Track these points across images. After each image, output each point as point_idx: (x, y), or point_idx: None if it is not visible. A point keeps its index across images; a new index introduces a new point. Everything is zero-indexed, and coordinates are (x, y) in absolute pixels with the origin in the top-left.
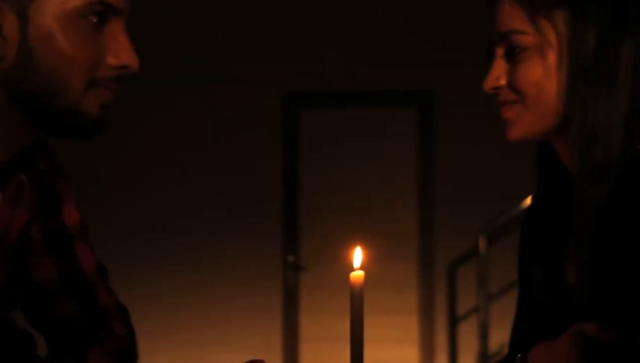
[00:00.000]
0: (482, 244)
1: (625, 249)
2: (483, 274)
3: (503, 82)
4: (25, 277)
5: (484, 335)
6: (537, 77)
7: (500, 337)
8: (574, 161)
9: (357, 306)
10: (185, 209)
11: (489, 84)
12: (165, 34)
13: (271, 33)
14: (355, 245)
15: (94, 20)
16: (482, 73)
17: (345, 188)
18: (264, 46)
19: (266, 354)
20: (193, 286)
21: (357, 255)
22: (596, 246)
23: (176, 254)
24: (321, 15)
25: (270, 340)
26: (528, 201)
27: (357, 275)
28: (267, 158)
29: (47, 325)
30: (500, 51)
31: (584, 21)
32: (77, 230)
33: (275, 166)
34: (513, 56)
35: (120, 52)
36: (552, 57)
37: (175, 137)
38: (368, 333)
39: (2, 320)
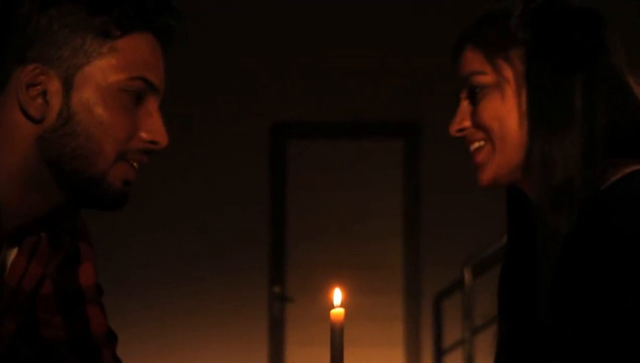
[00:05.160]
0: (467, 276)
1: (589, 289)
2: (468, 306)
3: (467, 123)
4: (33, 333)
5: None
6: (497, 111)
7: None
8: (533, 189)
9: (337, 343)
10: (171, 238)
11: (454, 127)
12: None
13: (259, 63)
14: (335, 285)
15: (134, 94)
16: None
17: (331, 218)
18: (252, 76)
19: None
20: (178, 315)
21: (337, 294)
22: (561, 283)
23: (161, 283)
24: (310, 46)
25: None
26: None
27: (338, 312)
28: (254, 188)
29: None
30: (463, 95)
31: (539, 58)
32: (91, 292)
33: (262, 196)
34: (474, 96)
35: (153, 129)
36: (509, 93)
37: (162, 165)
38: None
39: None
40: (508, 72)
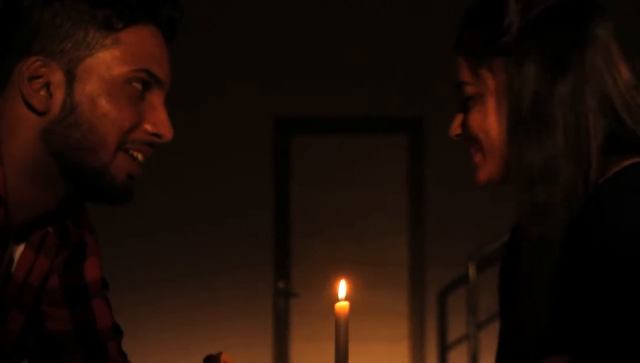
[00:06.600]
0: (471, 272)
1: (577, 288)
2: (473, 301)
3: (459, 131)
4: (40, 326)
5: (474, 362)
6: (480, 122)
7: None
8: (516, 202)
9: (341, 337)
10: (175, 233)
11: (451, 132)
12: None
13: (263, 59)
14: (340, 277)
15: (139, 87)
16: None
17: (336, 214)
18: (256, 71)
19: None
20: (182, 311)
21: (342, 287)
22: (561, 281)
23: (165, 278)
24: (313, 42)
25: None
26: None
27: (342, 305)
28: (258, 184)
29: None
30: (459, 101)
31: (521, 68)
32: (97, 287)
33: (266, 191)
34: (465, 104)
35: (158, 122)
36: (491, 103)
37: (166, 161)
38: (358, 360)
39: None
40: (490, 82)
